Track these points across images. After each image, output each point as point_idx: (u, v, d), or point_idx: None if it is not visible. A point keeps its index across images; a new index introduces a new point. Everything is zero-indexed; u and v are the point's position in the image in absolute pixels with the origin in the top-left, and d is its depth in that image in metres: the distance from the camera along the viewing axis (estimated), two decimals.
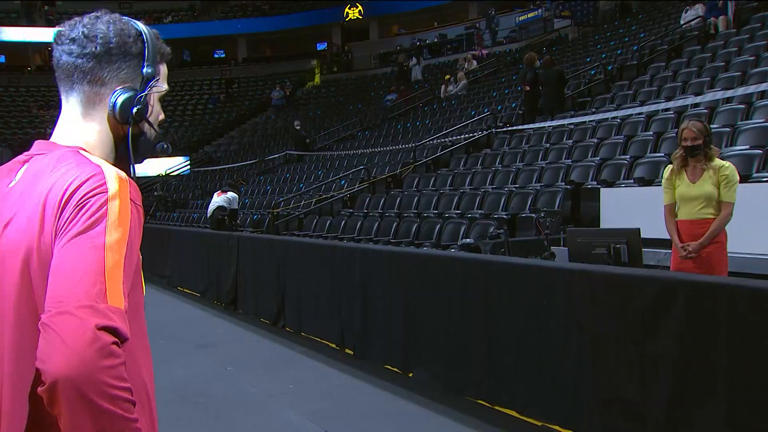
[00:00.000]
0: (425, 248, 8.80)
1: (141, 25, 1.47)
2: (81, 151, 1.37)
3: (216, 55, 39.34)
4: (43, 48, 37.21)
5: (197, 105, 34.21)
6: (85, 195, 1.24)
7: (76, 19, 1.43)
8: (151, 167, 25.51)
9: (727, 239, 5.08)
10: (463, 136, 14.85)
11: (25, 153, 1.44)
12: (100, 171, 1.29)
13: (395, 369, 6.21)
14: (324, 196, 14.78)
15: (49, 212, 1.25)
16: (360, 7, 35.31)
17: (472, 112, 17.30)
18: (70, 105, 1.44)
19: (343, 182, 15.69)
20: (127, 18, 1.47)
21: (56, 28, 1.45)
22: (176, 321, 9.38)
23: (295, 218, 14.08)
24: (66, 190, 1.25)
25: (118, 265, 1.21)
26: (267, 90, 33.29)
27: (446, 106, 20.17)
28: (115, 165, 1.45)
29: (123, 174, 1.33)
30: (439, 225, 9.94)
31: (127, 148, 1.47)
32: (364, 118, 23.76)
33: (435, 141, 15.48)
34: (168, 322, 9.22)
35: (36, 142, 1.45)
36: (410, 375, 5.98)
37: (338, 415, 5.34)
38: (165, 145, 1.61)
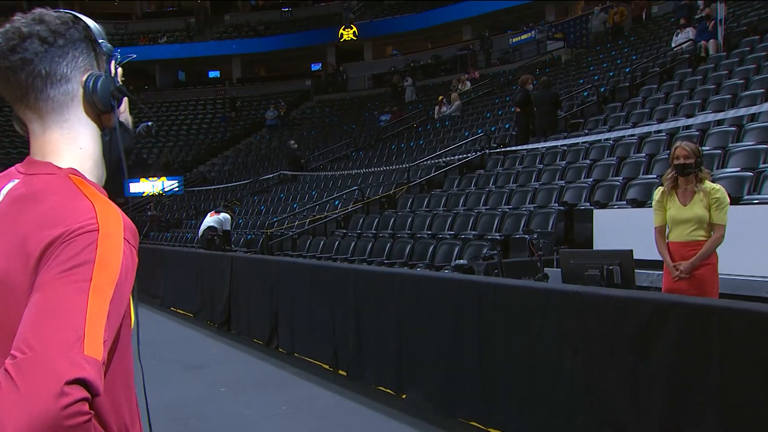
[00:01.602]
0: (419, 269, 8.80)
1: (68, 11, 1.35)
2: (72, 176, 1.25)
3: (210, 75, 39.48)
4: None
5: (191, 124, 34.26)
6: (73, 232, 1.13)
7: (1, 30, 1.27)
8: (144, 187, 25.54)
9: (718, 261, 5.10)
10: (456, 157, 14.91)
11: (17, 166, 1.32)
12: (91, 206, 1.18)
13: (388, 390, 6.19)
14: (318, 216, 14.78)
15: (30, 253, 1.14)
16: (354, 28, 35.48)
17: (466, 133, 17.38)
18: (41, 119, 1.30)
19: (337, 202, 15.71)
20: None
21: None
22: (169, 342, 9.33)
23: (289, 238, 14.07)
24: (53, 227, 1.14)
25: (102, 309, 1.09)
26: (261, 110, 33.38)
27: (440, 126, 20.26)
28: (108, 169, 1.38)
29: (120, 212, 1.22)
30: (432, 246, 9.96)
31: (113, 140, 1.37)
32: (359, 138, 23.85)
33: (429, 161, 15.53)
34: (160, 342, 9.17)
35: (27, 158, 1.33)
36: (403, 396, 5.96)
37: None
38: (148, 123, 1.52)
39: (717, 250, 5.09)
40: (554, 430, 4.49)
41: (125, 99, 1.41)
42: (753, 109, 9.71)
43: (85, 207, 1.18)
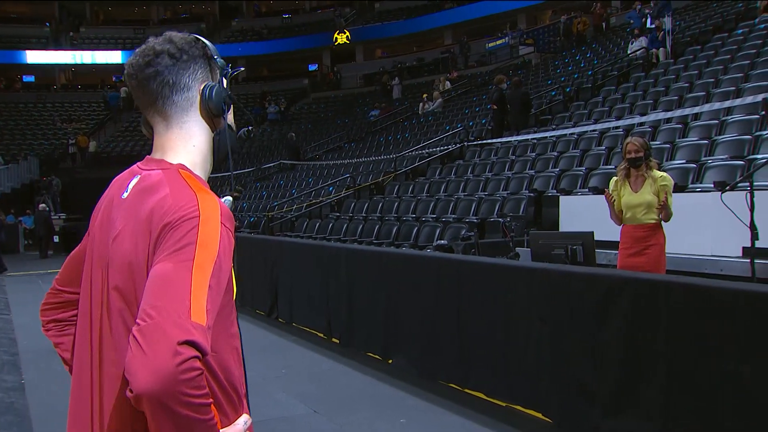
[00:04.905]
0: (404, 248, 8.82)
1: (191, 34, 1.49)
2: (181, 171, 1.36)
3: None
4: (68, 68, 37.40)
5: None
6: (179, 219, 1.24)
7: (139, 49, 1.42)
8: None
9: (665, 241, 5.14)
10: (438, 149, 14.89)
11: (138, 164, 1.43)
12: (194, 197, 1.28)
13: (376, 356, 6.22)
14: (314, 201, 14.76)
15: (151, 233, 1.26)
16: (348, 33, 35.34)
17: (447, 127, 17.35)
18: (166, 120, 1.42)
19: (331, 189, 15.67)
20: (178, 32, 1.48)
21: (128, 64, 1.42)
22: None
23: (288, 221, 14.04)
24: (164, 215, 1.25)
25: (204, 283, 1.19)
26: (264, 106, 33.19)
27: (423, 121, 20.20)
28: (214, 165, 1.49)
29: (218, 201, 1.31)
30: (416, 228, 9.97)
31: (221, 139, 1.47)
32: (351, 131, 23.74)
33: (413, 152, 15.51)
34: None
35: (147, 157, 1.44)
36: (389, 361, 5.99)
37: (325, 396, 5.34)
38: (249, 128, 1.59)
39: (665, 231, 5.14)
40: (523, 391, 4.53)
41: (232, 105, 1.50)
42: (696, 110, 9.78)
43: (190, 197, 1.28)
